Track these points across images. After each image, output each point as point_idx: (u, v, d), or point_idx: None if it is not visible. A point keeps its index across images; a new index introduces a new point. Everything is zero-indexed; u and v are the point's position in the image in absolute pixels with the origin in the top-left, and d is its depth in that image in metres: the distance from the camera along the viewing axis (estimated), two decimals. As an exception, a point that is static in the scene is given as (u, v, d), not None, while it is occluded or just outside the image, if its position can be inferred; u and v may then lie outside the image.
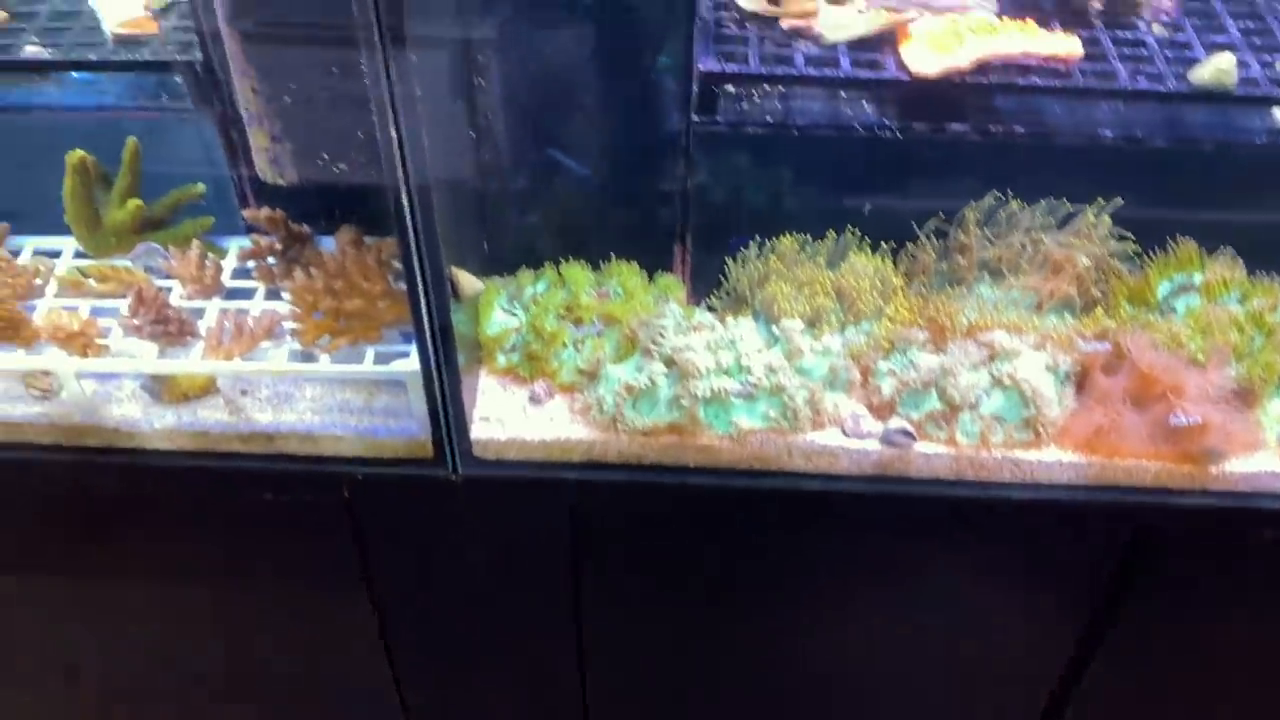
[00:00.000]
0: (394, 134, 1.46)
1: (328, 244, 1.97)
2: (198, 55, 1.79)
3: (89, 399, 1.87)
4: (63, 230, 2.00)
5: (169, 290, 1.92)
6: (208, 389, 1.91)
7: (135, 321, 1.81)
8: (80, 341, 1.79)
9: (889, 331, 1.87)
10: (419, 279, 1.64)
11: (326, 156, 1.73)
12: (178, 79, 1.90)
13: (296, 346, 1.84)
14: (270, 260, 1.93)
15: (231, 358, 1.80)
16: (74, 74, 1.87)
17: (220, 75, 1.79)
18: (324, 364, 1.81)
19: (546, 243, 1.98)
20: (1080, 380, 1.84)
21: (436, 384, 1.78)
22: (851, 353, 1.85)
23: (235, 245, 2.02)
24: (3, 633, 2.28)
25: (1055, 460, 1.81)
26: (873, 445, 1.83)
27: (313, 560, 2.08)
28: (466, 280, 1.74)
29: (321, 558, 2.07)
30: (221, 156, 1.93)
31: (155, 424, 1.89)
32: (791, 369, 1.80)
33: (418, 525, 2.02)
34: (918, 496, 1.85)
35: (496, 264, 2.02)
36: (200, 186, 1.90)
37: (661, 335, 1.82)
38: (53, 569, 2.13)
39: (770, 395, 1.80)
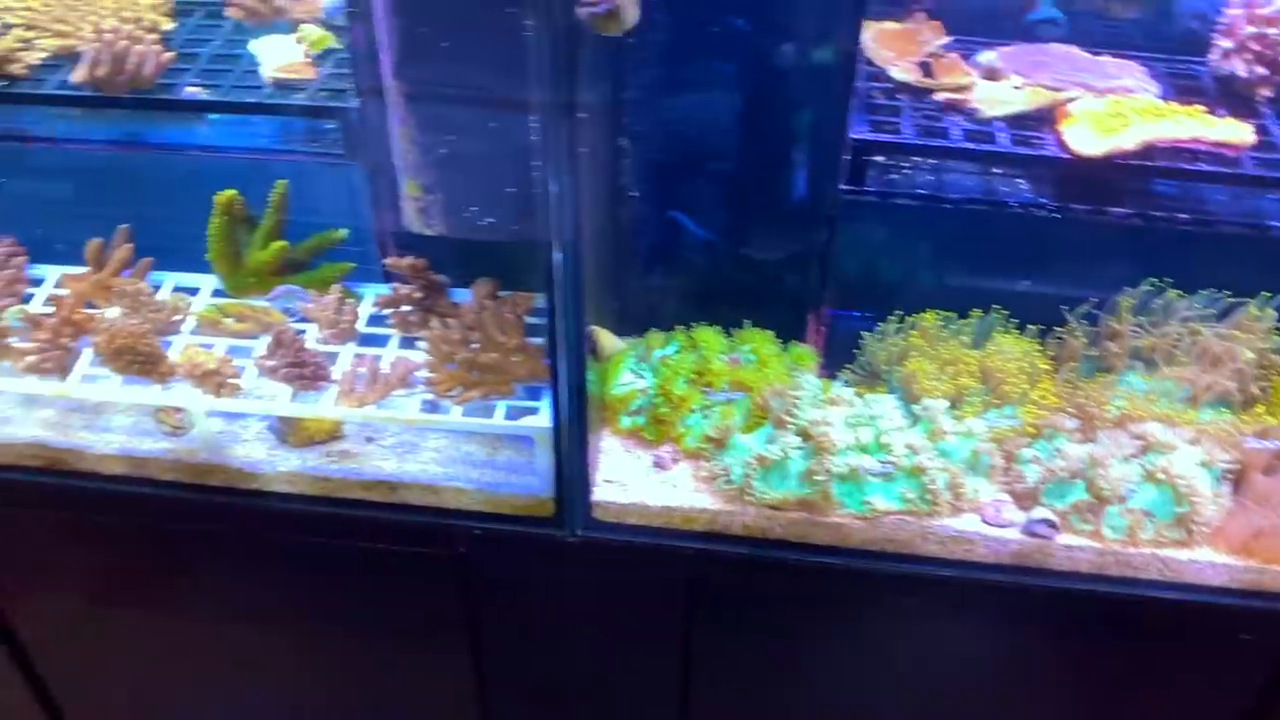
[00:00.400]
0: (559, 192, 1.44)
1: (458, 295, 1.97)
2: (353, 103, 1.81)
3: (216, 437, 1.87)
4: (202, 268, 2.02)
5: (303, 333, 1.92)
6: (334, 433, 1.91)
7: (271, 363, 1.82)
8: (215, 380, 1.79)
9: (1035, 417, 1.80)
10: (561, 336, 1.62)
11: (475, 210, 1.72)
12: (328, 125, 1.92)
13: (428, 396, 1.82)
14: (405, 308, 1.92)
15: (365, 404, 1.79)
16: (228, 115, 1.91)
17: (374, 125, 1.81)
18: (455, 415, 1.79)
19: (678, 304, 1.96)
20: (1238, 480, 1.75)
21: (566, 443, 1.75)
22: (995, 437, 1.79)
23: (370, 292, 2.02)
24: (111, 666, 2.27)
25: (1208, 562, 1.72)
26: (1013, 534, 1.76)
27: (418, 610, 2.05)
28: (607, 339, 1.71)
29: (427, 608, 2.04)
30: (363, 204, 1.94)
31: (279, 466, 1.88)
32: (933, 450, 1.74)
33: (528, 583, 1.98)
34: (1057, 590, 1.77)
35: (625, 323, 1.99)
36: (342, 232, 1.91)
37: (797, 407, 1.77)
38: (160, 604, 2.13)
39: (909, 476, 1.74)
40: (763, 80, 1.75)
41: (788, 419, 1.77)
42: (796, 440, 1.76)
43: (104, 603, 2.15)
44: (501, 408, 1.82)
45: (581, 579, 1.93)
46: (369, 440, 1.92)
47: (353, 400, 1.80)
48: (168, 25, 1.92)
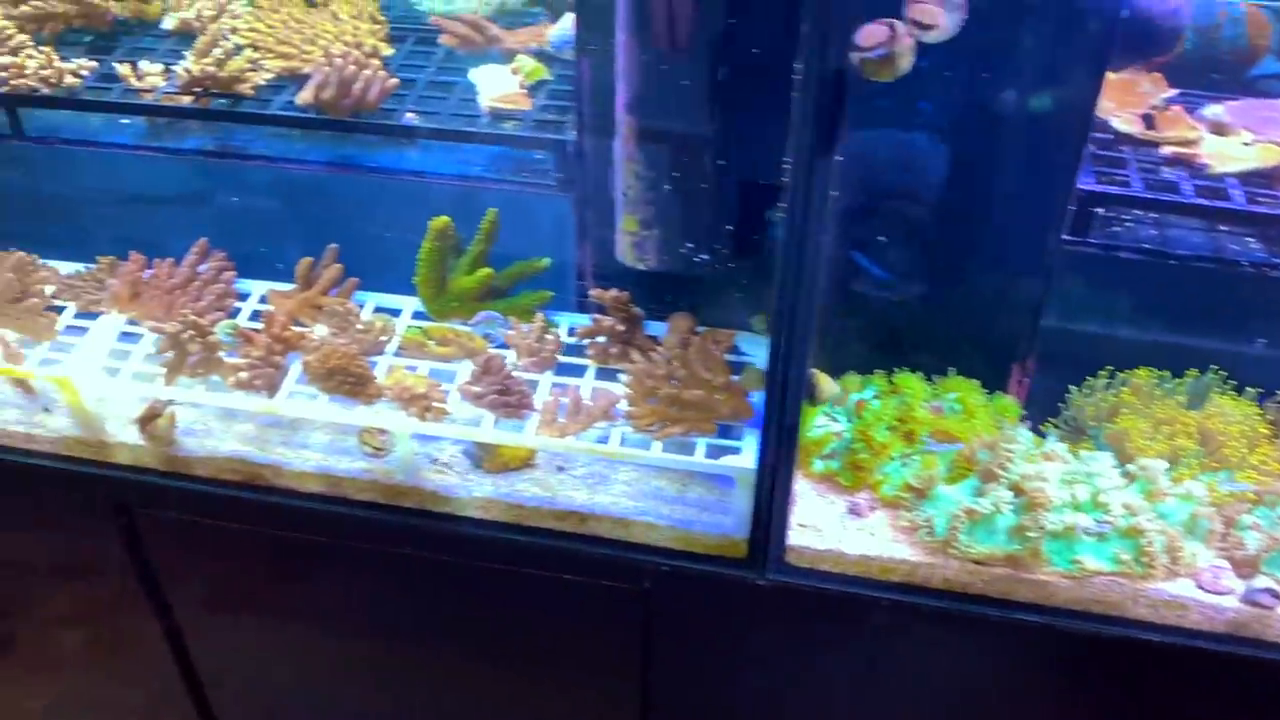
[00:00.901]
0: (803, 235, 1.43)
1: (650, 328, 1.96)
2: (570, 135, 1.82)
3: (414, 460, 1.89)
4: (401, 289, 2.05)
5: (505, 360, 1.93)
6: (527, 461, 1.91)
7: (476, 389, 1.83)
8: (422, 404, 1.81)
9: (1255, 483, 1.73)
10: (781, 376, 1.60)
11: (691, 246, 1.72)
12: (537, 155, 1.94)
13: (628, 429, 1.82)
14: (600, 339, 1.93)
15: (566, 435, 1.79)
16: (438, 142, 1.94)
17: (589, 158, 1.82)
18: (656, 451, 1.79)
19: (872, 347, 1.93)
20: None
21: (769, 485, 1.74)
22: (1214, 501, 1.73)
23: (562, 320, 2.03)
24: (280, 684, 2.30)
25: None
26: (1230, 602, 1.69)
27: (593, 640, 2.03)
28: (826, 384, 1.69)
29: (603, 639, 2.03)
30: (566, 234, 1.95)
31: (474, 492, 1.89)
32: (1151, 511, 1.69)
33: (710, 621, 1.96)
34: (1275, 662, 1.70)
35: (820, 365, 1.97)
36: (546, 261, 1.92)
37: (1010, 460, 1.73)
38: (337, 622, 2.15)
39: (1124, 537, 1.69)
40: (993, 127, 1.72)
41: (999, 472, 1.73)
42: (1009, 495, 1.72)
43: (281, 616, 2.18)
44: (701, 445, 1.80)
45: (765, 621, 1.91)
46: (560, 470, 1.92)
47: (554, 430, 1.80)
48: (387, 51, 1.96)
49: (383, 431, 1.89)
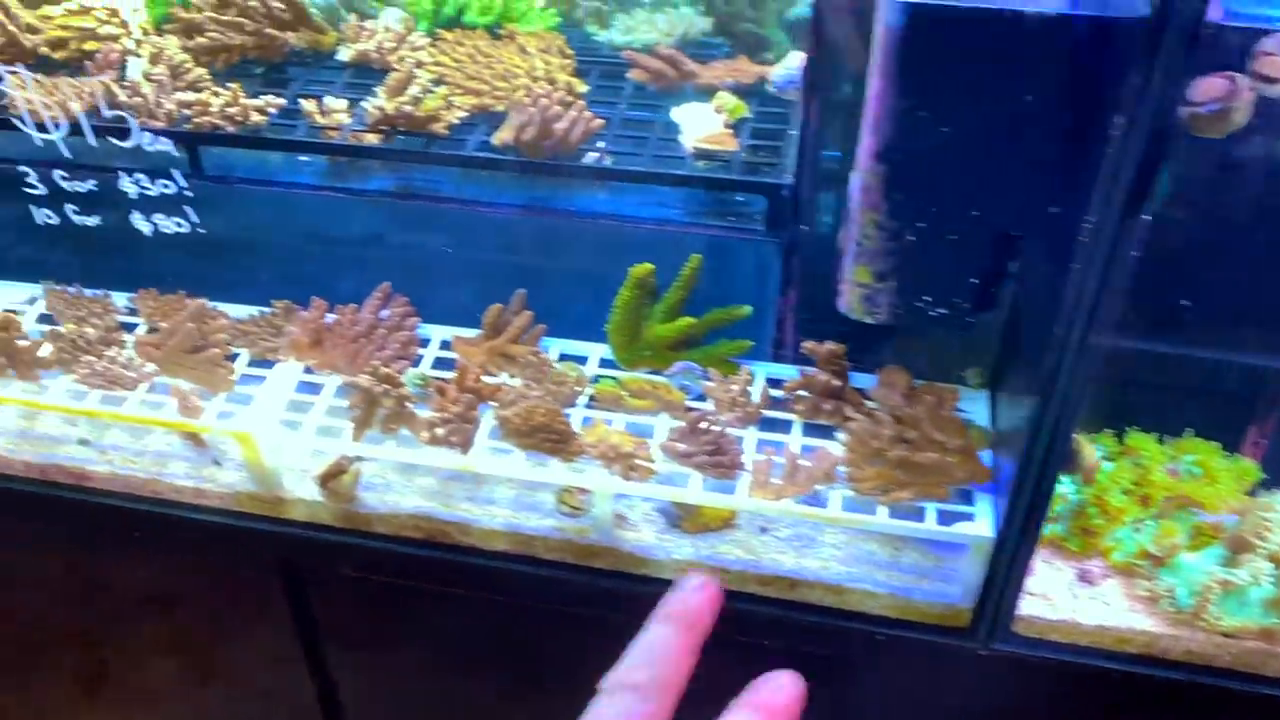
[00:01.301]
0: (1099, 292, 1.33)
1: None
2: (787, 179, 1.73)
3: (612, 520, 1.79)
4: (584, 335, 1.95)
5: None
6: (728, 521, 1.81)
7: (684, 447, 1.73)
8: (628, 462, 1.71)
9: None
10: (1047, 442, 1.50)
11: (929, 299, 1.62)
12: (739, 198, 1.85)
13: (848, 492, 1.72)
14: (806, 393, 1.82)
15: (782, 497, 1.69)
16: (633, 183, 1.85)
17: (806, 203, 1.73)
18: (882, 516, 1.68)
19: (1104, 405, 1.82)
20: None
21: (1010, 554, 1.63)
22: None
23: (760, 371, 1.92)
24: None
25: None
26: None
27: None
28: (1088, 451, 1.58)
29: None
30: (763, 280, 1.86)
31: (673, 553, 1.79)
32: None
33: (917, 690, 1.85)
34: None
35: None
36: (746, 309, 1.82)
37: (1269, 529, 1.62)
38: (515, 683, 2.05)
39: (1397, 615, 1.57)
40: None
41: (1256, 542, 1.62)
42: (1268, 566, 1.60)
43: (449, 677, 2.08)
44: (933, 511, 1.69)
45: (981, 693, 1.80)
46: (763, 531, 1.82)
47: (770, 492, 1.70)
48: (582, 88, 1.87)
49: (583, 490, 1.79)
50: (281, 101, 1.83)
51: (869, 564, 1.78)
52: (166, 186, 1.72)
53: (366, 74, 2.00)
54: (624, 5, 2.11)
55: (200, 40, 1.94)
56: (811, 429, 1.84)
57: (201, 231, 1.78)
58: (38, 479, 1.96)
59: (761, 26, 1.97)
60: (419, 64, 1.92)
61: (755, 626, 1.80)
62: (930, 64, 1.42)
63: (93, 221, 1.79)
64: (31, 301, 2.07)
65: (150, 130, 1.69)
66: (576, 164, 1.75)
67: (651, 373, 1.90)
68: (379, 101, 1.79)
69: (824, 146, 1.67)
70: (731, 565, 1.77)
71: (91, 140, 1.72)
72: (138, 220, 1.78)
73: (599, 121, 1.76)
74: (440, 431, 1.75)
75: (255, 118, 1.81)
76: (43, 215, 1.80)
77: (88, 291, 2.02)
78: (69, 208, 1.79)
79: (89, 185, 1.76)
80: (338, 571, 1.95)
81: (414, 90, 1.78)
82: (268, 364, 1.95)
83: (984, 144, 1.45)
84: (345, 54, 2.01)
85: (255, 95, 1.87)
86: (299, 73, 2.02)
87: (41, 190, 1.78)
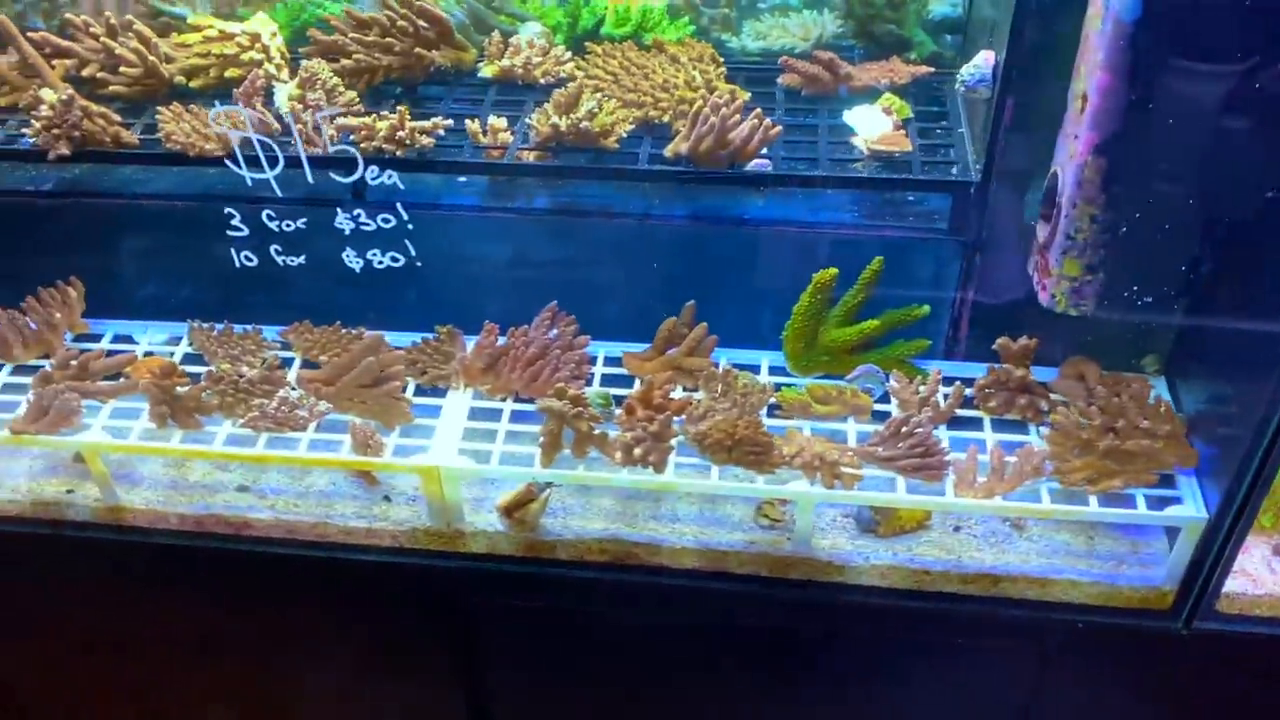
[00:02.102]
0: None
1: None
2: (973, 177, 1.73)
3: (811, 529, 1.78)
4: (743, 344, 1.93)
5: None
6: (922, 523, 1.81)
7: (888, 452, 1.72)
8: (831, 471, 1.69)
9: None
10: (1274, 425, 1.52)
11: (1136, 290, 1.63)
12: (909, 198, 1.85)
13: (1054, 485, 1.72)
14: (989, 390, 1.83)
15: (993, 495, 1.69)
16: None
17: (993, 200, 1.73)
18: (1093, 506, 1.69)
19: None
20: None
21: (1224, 535, 1.65)
22: None
23: (930, 369, 1.92)
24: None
25: None
26: None
27: (980, 697, 1.93)
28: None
29: (990, 697, 1.92)
30: (946, 280, 1.85)
31: (870, 559, 1.78)
32: None
33: (1122, 676, 1.86)
34: None
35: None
36: (924, 309, 1.82)
37: None
38: (704, 698, 2.02)
39: None
40: None
41: None
42: None
43: (628, 701, 2.05)
44: (1141, 497, 1.71)
45: (1182, 670, 1.82)
46: (956, 530, 1.82)
47: (978, 491, 1.70)
48: (744, 95, 1.85)
49: (784, 502, 1.77)
50: (448, 122, 1.79)
51: (1067, 555, 1.79)
52: (387, 220, 1.66)
53: (511, 90, 1.96)
54: (745, 11, 2.10)
55: (345, 62, 1.88)
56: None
57: (418, 265, 1.72)
58: (193, 531, 1.88)
59: (902, 27, 1.97)
60: (570, 77, 1.89)
61: (956, 626, 1.80)
62: (1163, 56, 1.43)
63: (296, 261, 1.72)
64: (173, 341, 1.99)
65: (377, 163, 1.64)
66: (765, 172, 1.73)
67: (825, 377, 1.89)
68: (552, 118, 1.75)
69: (1015, 143, 1.67)
70: (933, 566, 1.77)
71: (309, 176, 1.67)
72: (350, 257, 1.72)
73: (777, 129, 1.74)
74: (638, 452, 1.72)
75: (423, 140, 1.76)
76: (242, 257, 1.73)
77: (236, 327, 1.95)
78: (274, 248, 1.72)
79: (298, 223, 1.69)
80: (512, 602, 1.91)
81: (589, 105, 1.74)
82: (431, 391, 1.89)
83: (1210, 132, 1.47)
84: (487, 71, 1.97)
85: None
86: (441, 92, 1.97)
87: (243, 231, 1.71)
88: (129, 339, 2.00)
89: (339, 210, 1.69)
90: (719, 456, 1.74)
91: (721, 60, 1.94)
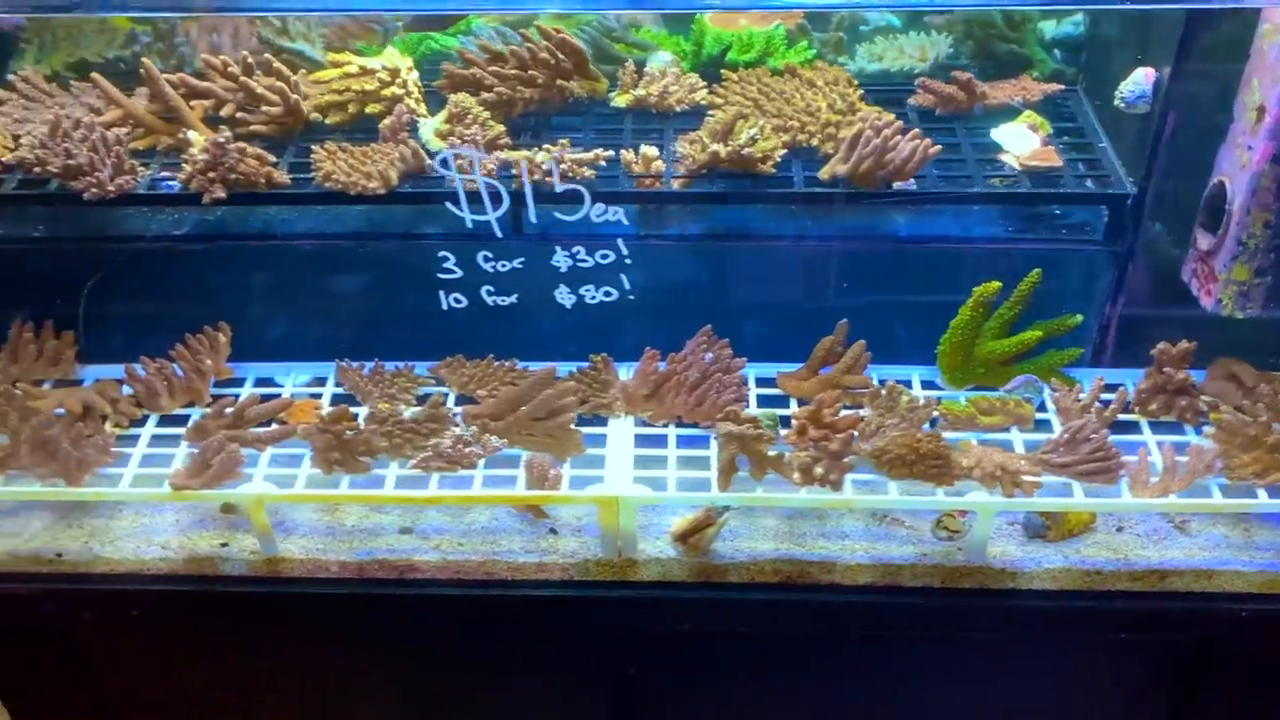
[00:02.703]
0: None
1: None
2: (1127, 189, 1.79)
3: (985, 539, 1.81)
4: (892, 359, 1.96)
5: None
6: (1088, 525, 1.85)
7: (1063, 459, 1.76)
8: (1012, 480, 1.73)
9: None
10: None
11: (1307, 289, 1.70)
12: (1056, 210, 1.90)
13: (1221, 481, 1.78)
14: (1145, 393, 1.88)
15: (1168, 494, 1.74)
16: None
17: (1151, 210, 1.79)
18: (1262, 498, 1.75)
19: None
20: None
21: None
22: None
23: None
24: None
25: None
26: None
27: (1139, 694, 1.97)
28: None
29: (1152, 690, 1.97)
30: (1095, 289, 1.91)
31: (1042, 564, 1.82)
32: None
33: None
34: None
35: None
36: (1078, 318, 1.86)
37: None
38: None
39: None
40: None
41: None
42: None
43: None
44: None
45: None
46: (1119, 530, 1.87)
47: (1154, 490, 1.75)
48: (888, 116, 1.88)
49: (964, 513, 1.80)
50: (609, 154, 1.79)
51: (1226, 547, 1.84)
52: (606, 256, 1.65)
53: (647, 119, 1.97)
54: (849, 35, 2.14)
55: (486, 96, 1.88)
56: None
57: (631, 298, 1.71)
58: (353, 578, 1.84)
59: (1022, 46, 2.03)
60: (710, 105, 1.91)
61: (1125, 623, 1.84)
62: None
63: (507, 301, 1.70)
64: (317, 382, 1.95)
65: (602, 198, 1.65)
66: (932, 191, 1.77)
67: (977, 389, 1.93)
68: (712, 145, 1.77)
69: (1175, 156, 1.73)
70: (1104, 566, 1.81)
71: (532, 216, 1.67)
72: (561, 294, 1.70)
73: (937, 148, 1.78)
74: (819, 471, 1.73)
75: (585, 172, 1.76)
76: (450, 300, 1.70)
77: (388, 365, 1.91)
78: (485, 289, 1.69)
79: (514, 264, 1.67)
80: (682, 628, 1.90)
81: (751, 131, 1.76)
82: (582, 420, 1.88)
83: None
84: (620, 100, 1.98)
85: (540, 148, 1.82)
86: (576, 122, 1.97)
87: (457, 274, 1.68)
88: (270, 381, 1.96)
89: (557, 248, 1.68)
90: (899, 471, 1.76)
91: (856, 83, 1.98)
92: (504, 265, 1.69)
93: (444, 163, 1.67)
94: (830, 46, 2.13)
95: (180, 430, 1.85)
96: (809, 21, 2.09)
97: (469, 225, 1.66)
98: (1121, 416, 1.90)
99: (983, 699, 1.97)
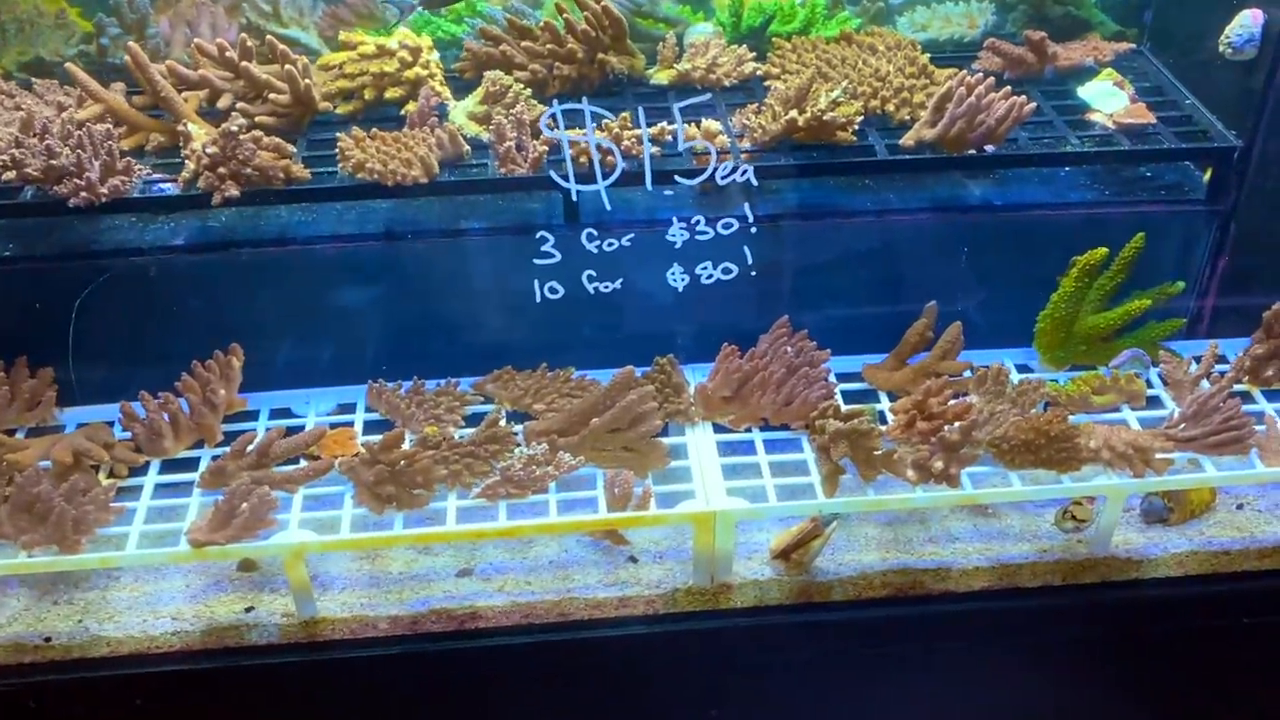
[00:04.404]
0: None
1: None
2: (1231, 143, 1.67)
3: (1114, 526, 1.65)
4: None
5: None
6: (1209, 505, 1.72)
7: (1182, 432, 1.62)
8: (1143, 458, 1.58)
9: None
10: None
11: None
12: (1146, 172, 1.78)
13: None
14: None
15: (1306, 466, 1.61)
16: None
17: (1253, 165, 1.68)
18: None
19: None
20: None
21: None
22: None
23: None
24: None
25: None
26: None
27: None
28: None
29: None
30: (1185, 254, 1.78)
31: (1168, 549, 1.67)
32: None
33: None
34: None
35: None
36: (1179, 285, 1.73)
37: None
38: None
39: None
40: None
41: None
42: None
43: None
44: None
45: None
46: (1239, 507, 1.73)
47: (1284, 460, 1.61)
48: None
49: (1091, 500, 1.63)
50: (673, 128, 1.59)
51: (1348, 520, 1.73)
52: (728, 226, 1.44)
53: (689, 95, 1.77)
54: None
55: (519, 74, 1.66)
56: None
57: (752, 274, 1.50)
58: (406, 634, 1.58)
59: (1079, 9, 1.92)
60: (765, 76, 1.74)
61: (1251, 604, 1.70)
62: None
63: (610, 287, 1.47)
64: (344, 409, 1.69)
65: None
66: (1028, 153, 1.63)
67: (1076, 368, 1.78)
68: (789, 113, 1.59)
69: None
70: (1231, 546, 1.67)
71: (649, 184, 1.47)
72: (674, 276, 1.48)
73: (1031, 105, 1.64)
74: (939, 465, 1.55)
75: (652, 149, 1.55)
76: (546, 289, 1.46)
77: (428, 384, 1.67)
78: (587, 274, 1.46)
79: (624, 240, 1.45)
80: (788, 658, 1.69)
81: (834, 94, 1.59)
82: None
83: None
84: (661, 76, 1.79)
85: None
86: (612, 102, 1.76)
87: (554, 258, 1.44)
88: (287, 412, 1.68)
89: (674, 218, 1.47)
90: (1023, 459, 1.59)
91: (920, 47, 1.82)
92: (610, 244, 1.46)
93: (548, 124, 1.44)
94: (869, 17, 1.98)
95: (185, 476, 1.57)
96: (840, -7, 1.95)
97: (574, 197, 1.44)
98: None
99: (1119, 697, 1.80)
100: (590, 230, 1.47)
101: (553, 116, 1.43)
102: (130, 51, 1.53)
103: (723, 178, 1.47)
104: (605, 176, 1.44)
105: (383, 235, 1.60)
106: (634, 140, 1.56)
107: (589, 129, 1.45)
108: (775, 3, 1.88)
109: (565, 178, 1.45)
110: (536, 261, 1.47)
